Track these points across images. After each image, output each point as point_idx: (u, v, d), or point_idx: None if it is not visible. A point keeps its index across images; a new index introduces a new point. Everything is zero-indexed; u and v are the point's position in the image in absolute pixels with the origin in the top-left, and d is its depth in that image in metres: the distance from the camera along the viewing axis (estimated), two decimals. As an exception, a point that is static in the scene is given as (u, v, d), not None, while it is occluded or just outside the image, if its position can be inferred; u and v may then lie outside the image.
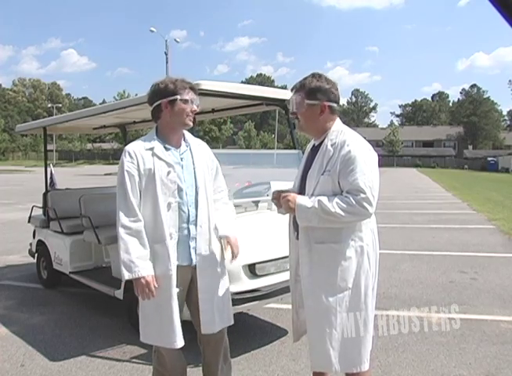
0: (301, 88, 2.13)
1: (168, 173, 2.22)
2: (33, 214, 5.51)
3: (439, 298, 4.55)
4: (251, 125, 54.88)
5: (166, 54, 36.25)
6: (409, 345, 3.42)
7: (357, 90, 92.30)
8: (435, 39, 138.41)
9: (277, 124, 42.79)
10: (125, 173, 2.18)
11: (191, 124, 2.31)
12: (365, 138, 2.24)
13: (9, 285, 5.19)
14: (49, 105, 68.92)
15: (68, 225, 4.77)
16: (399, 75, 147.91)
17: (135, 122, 5.50)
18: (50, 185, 5.91)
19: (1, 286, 5.15)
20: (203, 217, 2.29)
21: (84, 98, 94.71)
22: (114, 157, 57.52)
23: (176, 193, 2.24)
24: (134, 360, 3.22)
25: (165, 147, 2.28)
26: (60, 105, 68.66)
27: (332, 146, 2.07)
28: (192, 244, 2.30)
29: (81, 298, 4.66)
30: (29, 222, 5.56)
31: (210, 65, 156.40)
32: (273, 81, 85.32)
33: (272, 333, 3.64)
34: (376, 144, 58.40)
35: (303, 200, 2.06)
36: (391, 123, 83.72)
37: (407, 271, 5.69)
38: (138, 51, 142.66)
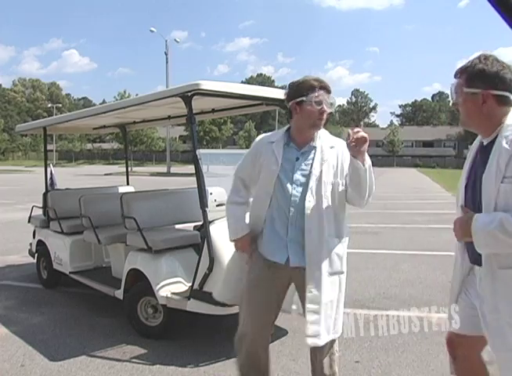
0: (463, 72, 1.73)
1: (273, 166, 2.26)
2: (33, 214, 5.51)
3: (439, 298, 4.54)
4: (251, 125, 54.83)
5: (166, 54, 36.36)
6: (409, 345, 3.42)
7: (357, 90, 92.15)
8: (435, 39, 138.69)
9: (277, 124, 42.82)
10: (244, 157, 2.46)
11: (320, 126, 2.27)
12: None
13: (9, 285, 5.18)
14: (49, 105, 68.81)
15: (68, 226, 4.77)
16: (399, 75, 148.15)
17: (135, 122, 5.50)
18: (50, 185, 5.91)
19: (1, 286, 5.15)
20: (311, 223, 2.19)
21: (84, 98, 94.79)
22: (114, 157, 57.52)
23: (272, 187, 2.25)
24: (134, 360, 3.22)
25: (287, 143, 2.31)
26: (60, 105, 68.63)
27: (507, 144, 1.62)
28: (290, 244, 2.23)
29: (81, 298, 4.66)
30: (29, 222, 5.56)
31: (210, 65, 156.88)
32: (273, 81, 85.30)
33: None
34: (376, 144, 58.47)
35: (482, 221, 1.61)
36: (391, 123, 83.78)
37: (407, 271, 5.69)
38: (140, 51, 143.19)
